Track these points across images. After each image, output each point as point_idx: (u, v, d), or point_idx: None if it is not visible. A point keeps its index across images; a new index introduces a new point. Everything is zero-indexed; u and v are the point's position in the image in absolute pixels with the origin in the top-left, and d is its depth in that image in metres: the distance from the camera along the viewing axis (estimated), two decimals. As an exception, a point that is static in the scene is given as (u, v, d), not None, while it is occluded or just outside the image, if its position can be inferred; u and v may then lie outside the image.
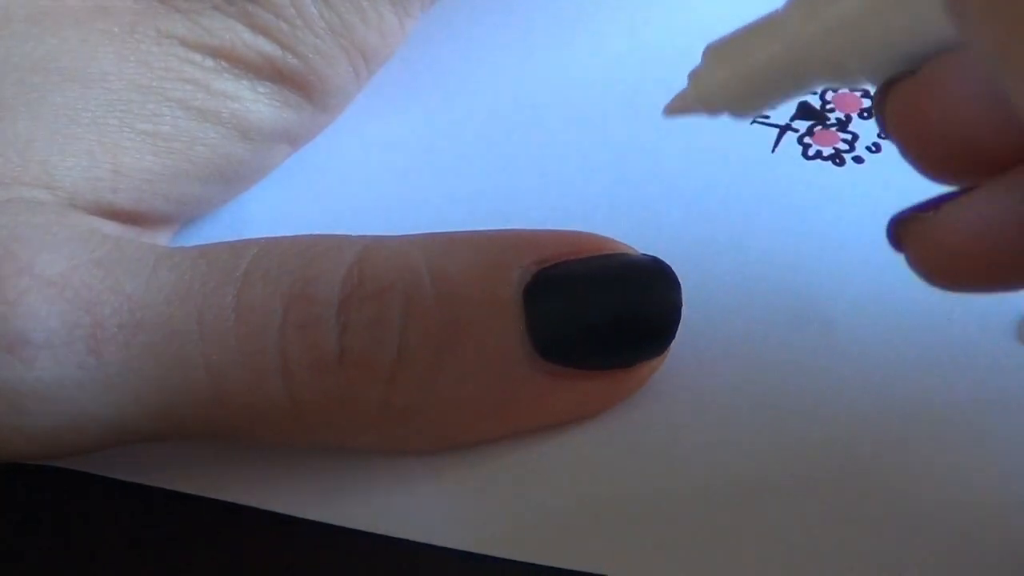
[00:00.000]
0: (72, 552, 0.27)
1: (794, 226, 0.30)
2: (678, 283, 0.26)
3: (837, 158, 0.31)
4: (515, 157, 0.31)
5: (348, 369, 0.25)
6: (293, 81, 0.28)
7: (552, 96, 0.31)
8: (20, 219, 0.25)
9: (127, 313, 0.25)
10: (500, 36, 0.32)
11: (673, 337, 0.27)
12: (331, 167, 0.31)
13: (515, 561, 0.26)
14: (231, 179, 0.29)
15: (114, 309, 0.25)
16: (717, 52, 0.24)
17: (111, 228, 0.27)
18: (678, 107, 0.24)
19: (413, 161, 0.31)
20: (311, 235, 0.27)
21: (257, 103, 0.28)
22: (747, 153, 0.31)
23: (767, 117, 0.32)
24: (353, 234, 0.27)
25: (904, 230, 0.23)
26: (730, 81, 0.23)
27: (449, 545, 0.26)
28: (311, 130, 0.29)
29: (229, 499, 0.27)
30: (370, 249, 0.26)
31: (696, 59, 0.23)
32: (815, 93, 0.32)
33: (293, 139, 0.29)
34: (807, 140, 0.31)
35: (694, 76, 0.24)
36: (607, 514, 0.26)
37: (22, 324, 0.24)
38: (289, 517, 0.27)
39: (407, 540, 0.26)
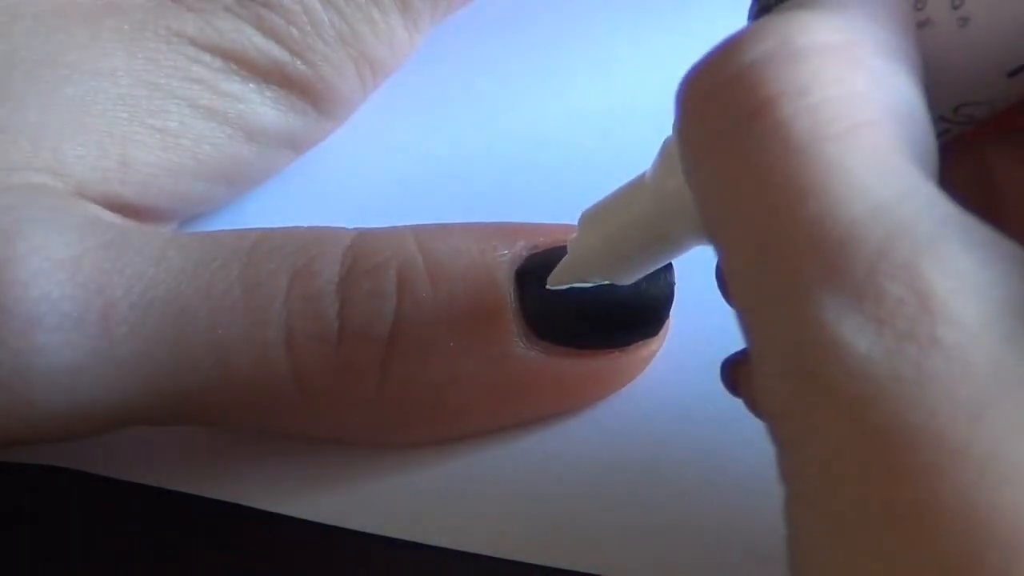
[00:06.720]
0: (69, 552, 0.26)
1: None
2: (670, 263, 0.26)
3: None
4: (514, 160, 0.31)
5: (347, 341, 0.25)
6: (300, 87, 0.28)
7: (551, 99, 0.31)
8: (31, 201, 0.25)
9: (138, 295, 0.25)
10: (499, 39, 0.32)
11: (667, 317, 0.27)
12: (331, 169, 0.31)
13: (514, 561, 0.26)
14: (234, 179, 0.29)
15: (125, 291, 0.24)
16: (587, 217, 0.24)
17: (115, 219, 0.27)
18: (558, 278, 0.25)
19: (413, 164, 0.31)
20: (309, 226, 0.27)
21: (263, 106, 0.28)
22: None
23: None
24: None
25: (735, 374, 0.23)
26: (601, 244, 0.23)
27: (447, 545, 0.26)
28: (315, 136, 0.30)
29: (229, 499, 0.27)
30: (365, 233, 0.26)
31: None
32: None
33: (297, 144, 0.29)
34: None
35: (570, 243, 0.24)
36: (605, 514, 0.26)
37: (35, 308, 0.24)
38: (290, 517, 0.26)
39: (406, 540, 0.26)
